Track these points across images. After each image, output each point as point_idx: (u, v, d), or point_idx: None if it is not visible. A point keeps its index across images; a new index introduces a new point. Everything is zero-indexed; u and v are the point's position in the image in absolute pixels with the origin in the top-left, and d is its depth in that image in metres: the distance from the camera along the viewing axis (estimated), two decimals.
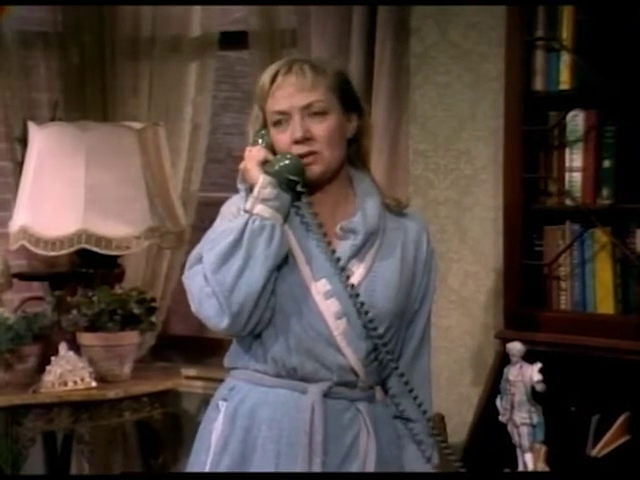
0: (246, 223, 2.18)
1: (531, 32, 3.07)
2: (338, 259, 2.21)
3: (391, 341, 2.27)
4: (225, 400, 2.31)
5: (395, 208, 2.33)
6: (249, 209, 2.19)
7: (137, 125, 3.73)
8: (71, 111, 4.16)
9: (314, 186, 2.25)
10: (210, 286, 2.19)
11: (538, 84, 3.08)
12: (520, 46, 3.06)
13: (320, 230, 2.23)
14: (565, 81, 3.04)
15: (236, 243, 2.18)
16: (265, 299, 2.19)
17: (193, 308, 2.25)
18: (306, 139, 2.21)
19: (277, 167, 2.21)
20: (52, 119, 4.05)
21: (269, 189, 2.20)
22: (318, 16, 3.53)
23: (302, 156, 2.21)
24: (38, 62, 4.20)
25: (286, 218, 2.23)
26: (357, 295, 2.20)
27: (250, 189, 2.23)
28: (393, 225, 2.31)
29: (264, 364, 2.26)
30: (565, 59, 3.03)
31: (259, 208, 2.19)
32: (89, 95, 4.17)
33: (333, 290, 2.22)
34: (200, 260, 2.25)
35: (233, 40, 4.00)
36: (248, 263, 2.16)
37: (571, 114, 3.04)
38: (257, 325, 2.21)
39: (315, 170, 2.23)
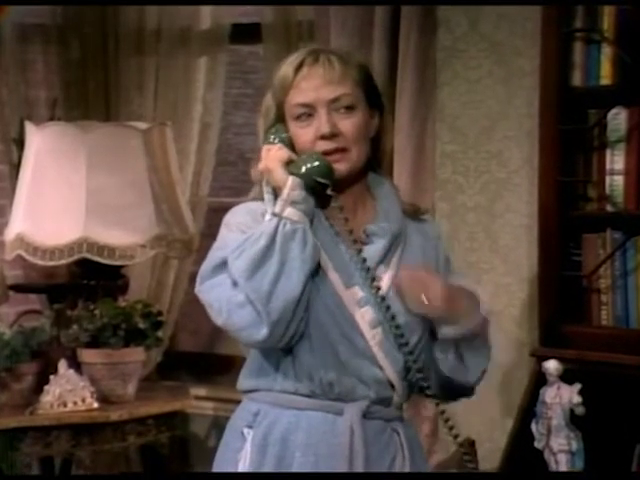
0: (276, 227, 2.17)
1: (569, 23, 3.06)
2: (368, 268, 2.20)
3: (420, 357, 2.25)
4: (250, 427, 2.26)
5: (413, 214, 2.34)
6: (278, 212, 2.18)
7: (142, 125, 3.75)
8: (71, 110, 4.20)
9: (335, 187, 2.24)
10: (243, 294, 2.15)
11: (576, 79, 3.07)
12: (557, 38, 3.05)
13: (350, 237, 2.22)
14: (606, 76, 3.03)
15: (268, 248, 2.15)
16: (302, 308, 2.16)
17: (220, 321, 2.20)
18: (333, 135, 2.20)
19: (304, 169, 2.19)
20: (51, 118, 4.08)
21: (298, 191, 2.19)
22: (338, 7, 3.54)
23: (328, 153, 2.21)
24: (36, 57, 4.24)
25: (311, 223, 2.22)
26: (388, 308, 2.20)
27: (274, 191, 2.22)
28: (413, 229, 2.32)
29: (295, 382, 2.22)
30: (606, 52, 3.02)
31: (289, 211, 2.18)
32: (91, 92, 4.19)
33: (366, 298, 2.22)
34: (215, 272, 2.22)
35: (245, 33, 4.02)
36: (284, 268, 2.14)
37: (612, 112, 3.02)
38: (293, 337, 2.18)
39: (342, 168, 2.22)
